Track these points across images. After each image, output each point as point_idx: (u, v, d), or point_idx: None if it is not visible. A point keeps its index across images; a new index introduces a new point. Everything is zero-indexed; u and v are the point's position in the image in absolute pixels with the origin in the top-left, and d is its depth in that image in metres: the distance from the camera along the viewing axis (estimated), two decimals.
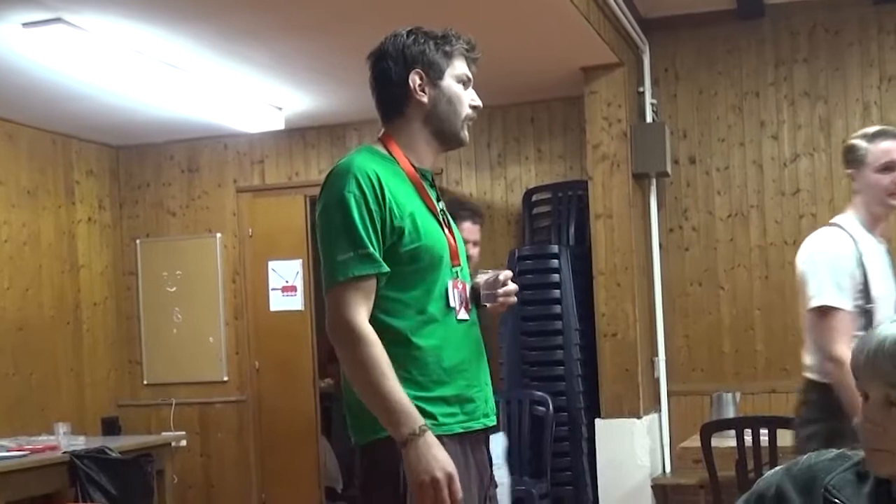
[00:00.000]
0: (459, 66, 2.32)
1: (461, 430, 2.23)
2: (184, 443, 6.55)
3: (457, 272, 2.29)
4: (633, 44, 5.68)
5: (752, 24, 5.76)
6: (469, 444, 2.26)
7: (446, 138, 2.33)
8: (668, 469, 5.76)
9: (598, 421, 5.54)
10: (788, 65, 5.75)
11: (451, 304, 2.25)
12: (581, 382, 5.58)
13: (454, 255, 2.29)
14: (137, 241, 6.94)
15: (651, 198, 5.83)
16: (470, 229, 3.85)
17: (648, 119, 5.77)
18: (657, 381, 5.81)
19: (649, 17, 5.83)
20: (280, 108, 6.04)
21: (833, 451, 1.59)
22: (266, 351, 6.60)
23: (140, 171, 6.97)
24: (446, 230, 2.30)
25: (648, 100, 5.79)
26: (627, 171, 5.56)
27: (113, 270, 6.88)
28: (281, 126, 6.18)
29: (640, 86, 5.81)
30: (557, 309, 5.60)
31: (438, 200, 2.34)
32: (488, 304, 2.36)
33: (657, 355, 5.81)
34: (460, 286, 2.29)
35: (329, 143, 6.57)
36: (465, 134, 2.35)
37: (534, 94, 6.08)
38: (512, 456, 5.58)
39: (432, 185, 2.35)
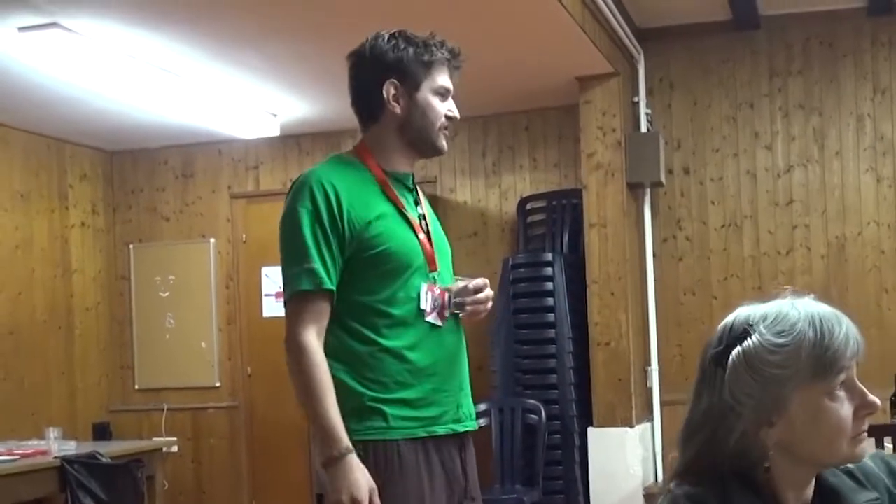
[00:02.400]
0: (439, 78, 2.29)
1: (424, 435, 2.24)
2: (175, 448, 6.53)
3: (434, 277, 2.29)
4: (629, 53, 5.70)
5: (747, 35, 5.78)
6: (435, 450, 2.26)
7: (421, 148, 2.33)
8: (660, 478, 5.76)
9: (590, 429, 5.54)
10: (783, 76, 5.77)
11: (423, 306, 2.26)
12: (574, 391, 5.58)
13: (430, 260, 2.29)
14: (131, 246, 6.93)
15: (645, 207, 5.84)
16: None
17: (643, 129, 5.78)
18: (650, 390, 5.82)
19: (644, 27, 5.85)
20: (275, 115, 6.04)
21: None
22: (259, 357, 6.59)
23: (134, 175, 6.96)
24: (421, 235, 2.29)
25: (643, 109, 5.81)
26: (622, 180, 5.57)
27: (106, 275, 6.87)
28: (276, 132, 6.18)
29: (635, 95, 5.82)
30: (551, 317, 5.60)
31: (417, 204, 2.34)
32: (458, 313, 2.33)
33: (650, 364, 5.81)
34: (437, 291, 2.28)
35: (324, 150, 6.56)
36: (443, 143, 2.34)
37: (529, 102, 6.09)
38: (504, 463, 5.58)
39: (411, 190, 2.35)
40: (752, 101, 5.80)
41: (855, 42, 5.67)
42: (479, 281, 2.34)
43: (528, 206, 6.20)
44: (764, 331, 1.34)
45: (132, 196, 6.96)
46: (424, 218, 2.35)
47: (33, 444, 5.31)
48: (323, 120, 6.26)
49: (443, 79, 2.30)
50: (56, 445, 5.23)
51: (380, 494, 2.16)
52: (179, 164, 6.89)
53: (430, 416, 2.25)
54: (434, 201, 2.54)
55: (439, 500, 2.25)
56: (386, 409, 2.20)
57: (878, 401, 1.36)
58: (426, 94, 2.27)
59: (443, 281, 2.32)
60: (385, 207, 2.26)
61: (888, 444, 3.88)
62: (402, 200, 2.31)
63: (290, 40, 4.75)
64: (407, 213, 2.29)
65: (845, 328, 1.33)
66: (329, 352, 2.22)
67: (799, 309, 1.35)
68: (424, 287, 2.26)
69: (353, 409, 2.20)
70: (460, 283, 2.35)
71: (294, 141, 6.64)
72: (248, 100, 5.71)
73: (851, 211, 5.64)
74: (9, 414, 5.96)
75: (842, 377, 1.32)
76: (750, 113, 5.81)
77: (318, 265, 2.18)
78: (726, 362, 1.35)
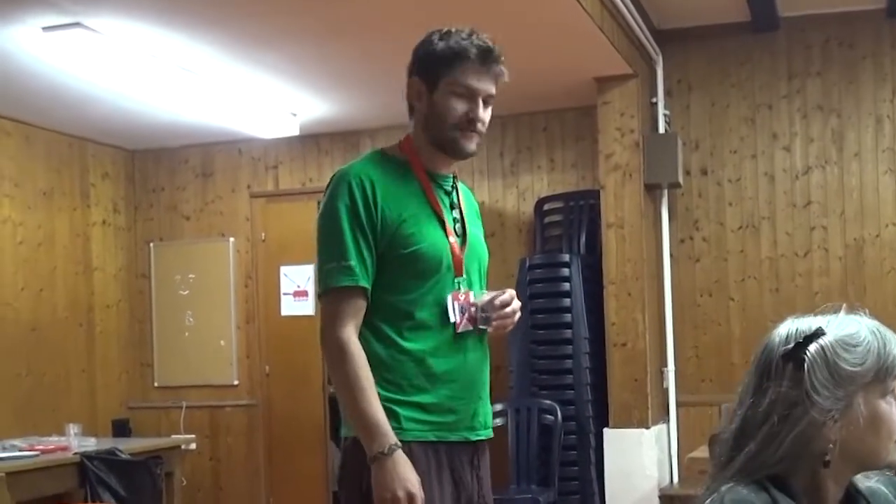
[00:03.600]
0: (462, 77, 2.22)
1: (434, 439, 2.23)
2: (193, 446, 6.57)
3: (459, 283, 2.26)
4: (647, 55, 5.70)
5: (766, 36, 5.77)
6: (446, 456, 2.25)
7: (444, 148, 2.28)
8: (675, 480, 5.76)
9: (606, 430, 5.54)
10: (802, 78, 5.76)
11: (451, 314, 2.24)
12: (590, 391, 5.58)
13: (457, 266, 2.26)
14: (151, 245, 6.98)
15: (662, 208, 5.83)
16: None
17: (661, 130, 5.78)
18: (666, 391, 5.81)
19: (663, 28, 5.85)
20: (295, 114, 6.07)
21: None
22: (277, 355, 6.62)
23: (155, 174, 7.02)
24: (453, 238, 2.27)
25: (661, 110, 5.81)
26: (639, 181, 5.57)
27: (126, 273, 6.93)
28: (295, 132, 6.21)
29: (653, 96, 5.82)
30: (567, 318, 5.61)
31: (453, 208, 2.32)
32: (484, 327, 2.30)
33: (666, 365, 5.81)
34: (462, 297, 2.26)
35: (343, 150, 6.60)
36: (464, 143, 2.26)
37: (547, 103, 6.09)
38: (520, 463, 5.59)
39: (448, 192, 2.33)
40: (771, 102, 5.79)
41: (874, 43, 5.65)
42: (506, 296, 2.30)
43: (546, 207, 6.21)
44: (836, 331, 1.46)
45: (153, 195, 7.02)
46: (458, 222, 2.32)
47: (54, 440, 5.36)
48: (342, 120, 6.28)
49: (463, 77, 2.22)
50: (76, 441, 5.28)
51: None
52: (200, 164, 6.94)
53: (443, 421, 2.24)
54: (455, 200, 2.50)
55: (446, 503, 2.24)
56: (399, 410, 2.19)
57: None
58: (444, 93, 2.23)
59: (470, 286, 2.29)
60: (420, 207, 2.25)
61: None
62: (440, 202, 2.29)
63: (312, 41, 4.77)
64: (442, 215, 2.27)
65: None
66: None
67: (858, 319, 1.49)
68: (450, 298, 2.24)
69: None
70: (486, 297, 2.31)
71: (313, 140, 6.67)
72: (268, 99, 5.75)
73: (870, 213, 5.62)
74: (30, 410, 6.02)
75: (894, 384, 1.46)
76: (768, 114, 5.80)
77: (355, 262, 2.17)
78: (801, 358, 1.44)
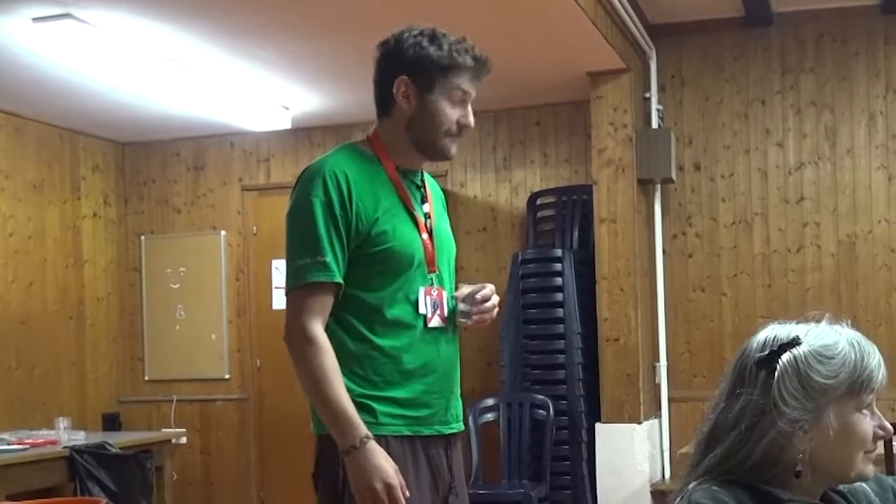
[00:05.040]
0: (456, 83, 2.23)
1: (409, 433, 2.24)
2: (184, 440, 6.56)
3: (432, 278, 2.27)
4: (640, 49, 5.69)
5: (759, 31, 5.76)
6: (421, 448, 2.26)
7: (426, 150, 2.29)
8: (667, 475, 5.76)
9: (598, 425, 5.54)
10: (795, 73, 5.75)
11: (422, 310, 2.24)
12: (582, 387, 5.58)
13: (430, 262, 2.27)
14: (142, 238, 6.95)
15: (655, 203, 5.83)
16: None
17: (654, 125, 5.78)
18: (658, 386, 5.81)
19: (656, 22, 5.83)
20: (287, 108, 6.05)
21: None
22: (268, 349, 6.60)
23: (146, 167, 6.99)
24: (425, 234, 2.27)
25: (654, 105, 5.80)
26: (632, 176, 5.56)
27: (117, 266, 6.90)
28: (287, 125, 6.19)
29: (647, 91, 5.82)
30: (560, 312, 5.60)
31: (423, 202, 2.32)
32: (463, 321, 2.31)
33: (659, 361, 5.81)
34: (435, 293, 2.27)
35: (335, 143, 6.47)
36: (449, 148, 2.28)
37: (540, 97, 6.08)
38: (511, 458, 5.59)
39: (419, 186, 2.33)
40: (764, 97, 5.79)
41: (868, 39, 5.65)
42: (487, 290, 2.31)
43: (539, 202, 6.20)
44: (812, 341, 1.45)
45: (144, 187, 6.99)
46: (429, 216, 2.33)
47: (43, 434, 5.35)
48: (334, 113, 6.26)
49: (460, 85, 2.24)
50: (66, 435, 5.27)
51: None
52: (191, 156, 6.91)
53: (417, 416, 2.24)
54: (444, 196, 2.51)
55: (424, 495, 2.25)
56: (374, 405, 2.19)
57: (892, 427, 1.50)
58: (438, 98, 2.24)
59: (441, 282, 2.30)
60: (393, 204, 2.25)
61: None
62: (411, 198, 2.29)
63: (305, 35, 4.75)
64: (414, 212, 2.28)
65: (878, 355, 1.46)
66: None
67: (838, 330, 1.47)
68: (422, 291, 2.25)
69: None
70: (466, 290, 2.32)
71: (305, 134, 6.65)
72: (260, 93, 5.72)
73: (862, 209, 5.62)
74: (19, 403, 6.00)
75: (870, 398, 1.44)
76: (761, 110, 5.80)
77: (329, 258, 2.17)
78: (773, 367, 1.43)
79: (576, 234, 6.01)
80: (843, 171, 5.67)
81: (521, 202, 6.29)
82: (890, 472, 3.96)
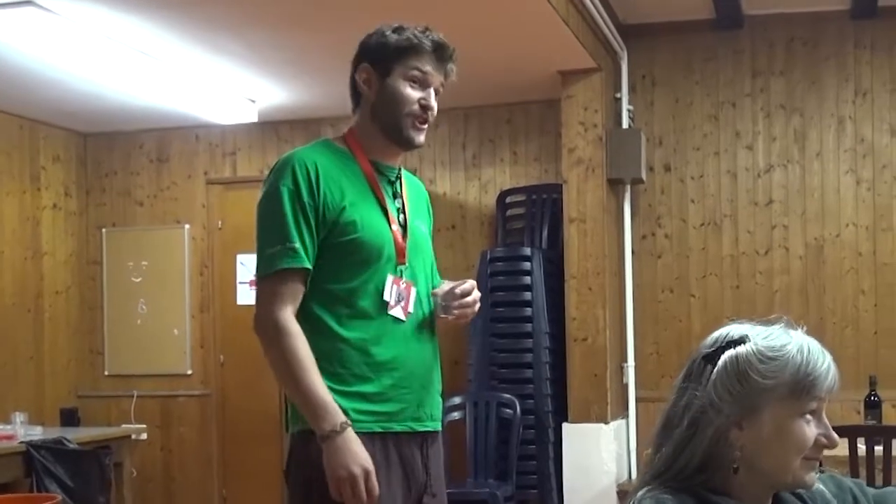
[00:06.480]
0: (414, 63, 2.23)
1: (380, 430, 2.21)
2: (144, 436, 6.46)
3: (401, 271, 2.27)
4: (612, 49, 5.67)
5: (730, 34, 5.77)
6: (394, 447, 2.23)
7: (392, 136, 2.28)
8: (633, 475, 5.76)
9: (565, 425, 5.53)
10: (765, 76, 5.76)
11: (385, 297, 2.23)
12: (549, 386, 5.56)
13: (400, 253, 2.27)
14: (103, 230, 6.83)
15: (625, 204, 5.82)
16: None
17: (624, 125, 5.76)
18: (626, 386, 5.81)
19: (628, 23, 5.82)
20: (253, 101, 5.96)
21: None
22: (232, 345, 6.53)
23: (108, 159, 6.87)
24: (395, 227, 2.27)
25: (625, 106, 5.79)
26: (602, 176, 5.55)
27: (77, 259, 6.78)
28: (254, 119, 6.11)
29: (617, 91, 5.80)
30: (528, 311, 5.58)
31: (395, 197, 2.31)
32: (444, 316, 2.32)
33: (626, 361, 5.81)
34: (403, 285, 2.26)
35: (303, 138, 6.49)
36: (413, 135, 2.27)
37: (511, 95, 6.05)
38: (478, 457, 5.56)
39: (392, 182, 2.33)
40: (734, 100, 5.80)
41: (838, 44, 5.67)
42: (467, 286, 2.31)
43: (508, 200, 6.17)
44: (759, 342, 1.46)
45: (106, 179, 6.87)
46: (402, 212, 2.32)
47: None
48: (302, 107, 6.19)
49: (417, 66, 2.24)
50: (22, 430, 5.17)
51: None
52: (155, 149, 6.80)
53: (387, 411, 2.22)
54: (429, 200, 2.51)
55: (395, 494, 2.22)
56: (342, 401, 2.16)
57: (838, 439, 1.49)
58: (396, 80, 2.24)
59: (412, 277, 2.30)
60: (362, 195, 2.24)
61: (861, 445, 3.89)
62: (383, 191, 2.29)
63: (271, 28, 4.69)
64: (384, 204, 2.27)
65: (828, 362, 1.45)
66: None
67: (792, 335, 1.47)
68: (390, 279, 2.24)
69: None
70: (446, 286, 2.33)
71: (272, 128, 6.57)
72: (226, 85, 5.64)
73: (830, 212, 5.65)
74: None
75: (814, 405, 1.44)
76: (732, 112, 5.80)
77: (298, 244, 2.16)
78: (716, 362, 1.45)
79: (545, 233, 5.99)
80: (812, 174, 5.70)
81: (490, 200, 6.26)
82: (854, 475, 3.98)
